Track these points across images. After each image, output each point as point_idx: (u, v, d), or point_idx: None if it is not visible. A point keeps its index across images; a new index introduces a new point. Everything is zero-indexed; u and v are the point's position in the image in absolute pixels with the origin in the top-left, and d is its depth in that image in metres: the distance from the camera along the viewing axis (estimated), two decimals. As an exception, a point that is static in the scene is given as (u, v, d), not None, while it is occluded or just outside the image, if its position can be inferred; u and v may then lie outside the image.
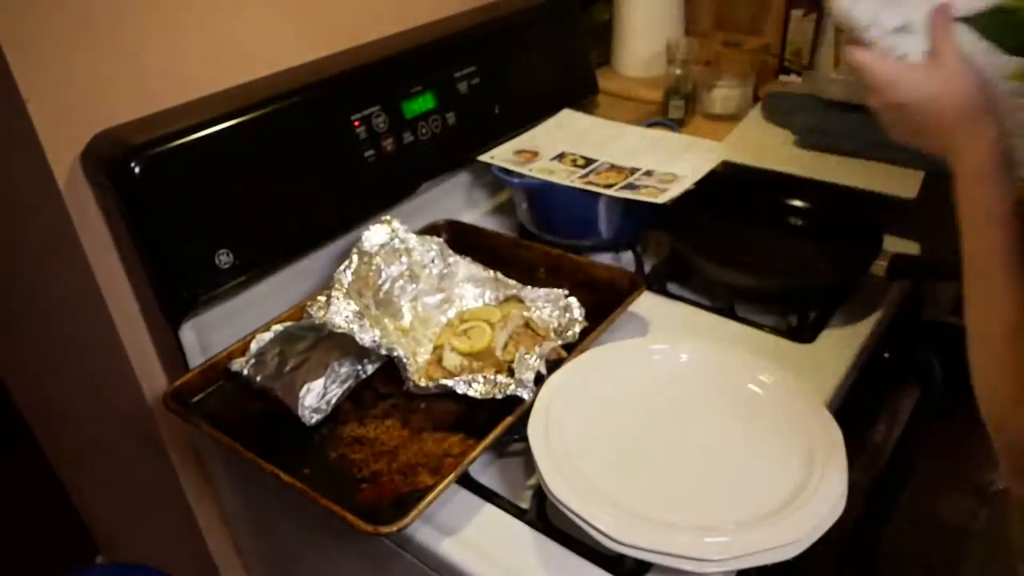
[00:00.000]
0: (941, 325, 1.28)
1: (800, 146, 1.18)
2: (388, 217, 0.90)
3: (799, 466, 0.64)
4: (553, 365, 0.75)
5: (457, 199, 1.13)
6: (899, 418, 1.21)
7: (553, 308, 0.83)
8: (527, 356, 0.74)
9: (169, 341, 0.82)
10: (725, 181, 1.06)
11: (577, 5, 1.27)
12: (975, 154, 0.56)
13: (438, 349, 0.81)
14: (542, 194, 1.01)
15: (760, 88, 1.36)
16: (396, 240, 0.89)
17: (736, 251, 0.97)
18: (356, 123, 0.90)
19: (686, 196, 0.95)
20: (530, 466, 0.69)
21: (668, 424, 0.70)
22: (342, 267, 0.84)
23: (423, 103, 0.98)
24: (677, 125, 1.21)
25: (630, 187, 0.96)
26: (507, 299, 0.88)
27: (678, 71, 1.31)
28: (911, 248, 1.01)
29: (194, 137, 0.75)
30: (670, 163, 1.02)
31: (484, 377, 0.74)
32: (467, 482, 0.71)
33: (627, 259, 1.03)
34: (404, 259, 0.89)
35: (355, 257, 0.85)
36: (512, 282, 0.88)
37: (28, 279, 0.92)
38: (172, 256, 0.76)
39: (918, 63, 0.60)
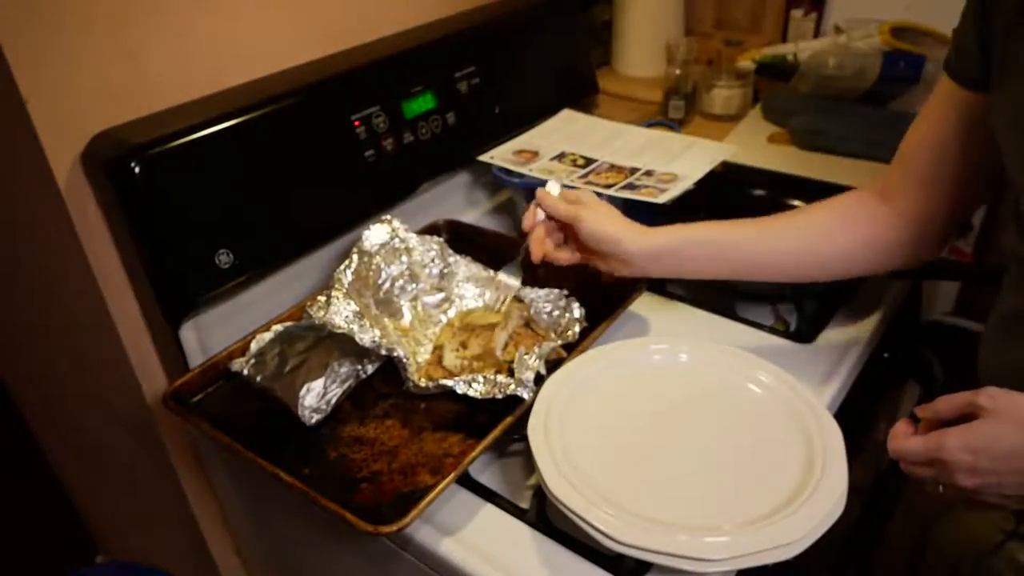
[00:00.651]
0: (941, 325, 1.28)
1: (800, 146, 1.18)
2: (388, 217, 0.90)
3: (799, 466, 0.64)
4: (553, 365, 0.75)
5: (457, 199, 1.13)
6: (899, 418, 1.21)
7: (553, 308, 0.83)
8: (527, 356, 0.74)
9: (169, 341, 0.82)
10: (725, 181, 1.06)
11: (577, 5, 1.27)
12: None
13: (438, 349, 0.81)
14: (542, 194, 1.01)
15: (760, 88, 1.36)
16: (396, 240, 0.89)
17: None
18: (356, 123, 0.90)
19: (686, 196, 0.95)
20: (530, 466, 0.69)
21: (668, 424, 0.70)
22: (342, 267, 0.84)
23: (423, 103, 0.98)
24: (677, 125, 1.21)
25: (630, 187, 0.96)
26: (507, 299, 0.88)
27: (678, 71, 1.31)
28: (911, 248, 1.01)
29: (194, 137, 0.75)
30: (670, 163, 1.02)
31: (484, 377, 0.73)
32: (467, 482, 0.71)
33: (627, 259, 1.03)
34: (404, 259, 0.89)
35: (355, 257, 0.85)
36: (513, 282, 0.88)
37: (28, 279, 0.92)
38: (172, 256, 0.76)
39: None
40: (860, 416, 0.96)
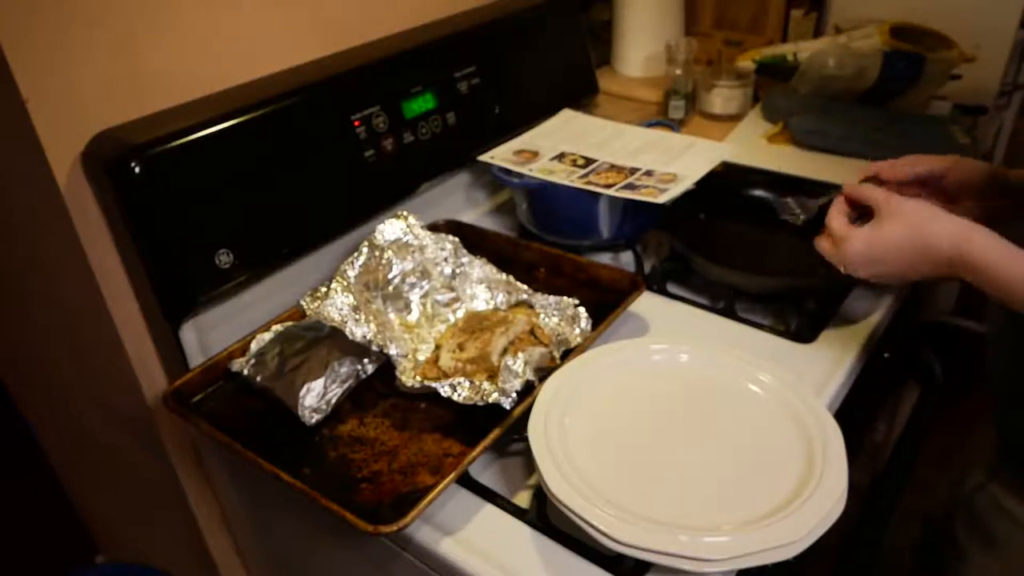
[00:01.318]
0: (941, 325, 1.28)
1: (800, 146, 1.18)
2: (404, 212, 0.90)
3: (799, 466, 0.64)
4: (546, 373, 0.75)
5: (457, 199, 1.13)
6: (899, 418, 1.21)
7: (560, 317, 0.83)
8: (512, 363, 0.72)
9: (169, 341, 0.82)
10: (725, 181, 1.06)
11: (577, 5, 1.27)
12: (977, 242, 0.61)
13: (437, 349, 0.81)
14: (542, 194, 1.01)
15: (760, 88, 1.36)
16: (410, 236, 0.89)
17: (736, 251, 0.97)
18: (356, 123, 0.90)
19: (686, 196, 0.95)
20: (530, 466, 0.69)
21: (668, 424, 0.70)
22: (349, 260, 0.83)
23: (423, 103, 0.98)
24: (677, 125, 1.21)
25: (630, 187, 0.96)
26: (518, 303, 0.87)
27: (678, 71, 1.31)
28: (911, 248, 1.01)
29: (194, 137, 0.75)
30: (670, 163, 1.02)
31: (471, 382, 0.73)
32: (467, 482, 0.71)
33: (627, 259, 1.03)
34: (416, 255, 0.89)
35: (365, 250, 0.85)
36: (524, 287, 0.88)
37: (28, 279, 0.92)
38: (172, 256, 0.76)
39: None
40: (860, 416, 0.96)
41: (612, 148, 1.08)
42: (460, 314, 0.88)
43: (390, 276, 0.87)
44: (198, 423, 0.74)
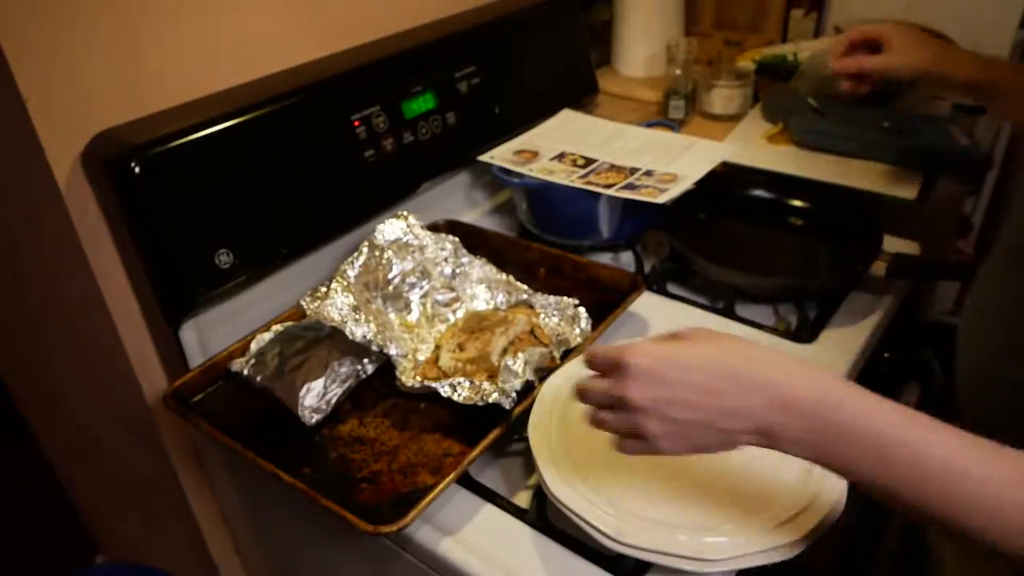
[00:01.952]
0: (941, 325, 1.28)
1: (800, 146, 1.18)
2: (404, 212, 0.90)
3: (799, 466, 0.64)
4: (546, 373, 0.75)
5: (457, 199, 1.13)
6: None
7: (560, 317, 0.83)
8: (512, 363, 0.72)
9: (169, 341, 0.82)
10: (725, 181, 1.06)
11: (577, 5, 1.27)
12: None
13: (437, 349, 0.81)
14: (542, 194, 1.01)
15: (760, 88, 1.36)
16: (410, 236, 0.89)
17: (736, 251, 0.97)
18: (356, 123, 0.90)
19: (686, 196, 0.95)
20: (530, 466, 0.69)
21: (668, 424, 0.70)
22: (349, 260, 0.83)
23: (423, 103, 0.98)
24: (677, 125, 1.21)
25: (630, 187, 0.96)
26: (518, 303, 0.87)
27: (678, 71, 1.31)
28: (911, 248, 1.01)
29: (194, 137, 0.75)
30: (670, 163, 1.02)
31: (471, 382, 0.72)
32: (467, 482, 0.71)
33: (627, 259, 1.03)
34: (416, 255, 0.89)
35: (365, 250, 0.85)
36: (524, 287, 0.88)
37: (28, 279, 0.92)
38: (172, 256, 0.76)
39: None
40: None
41: (612, 148, 1.08)
42: (460, 314, 0.88)
43: (390, 276, 0.87)
44: (198, 423, 0.74)
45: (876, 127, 1.15)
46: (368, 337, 0.73)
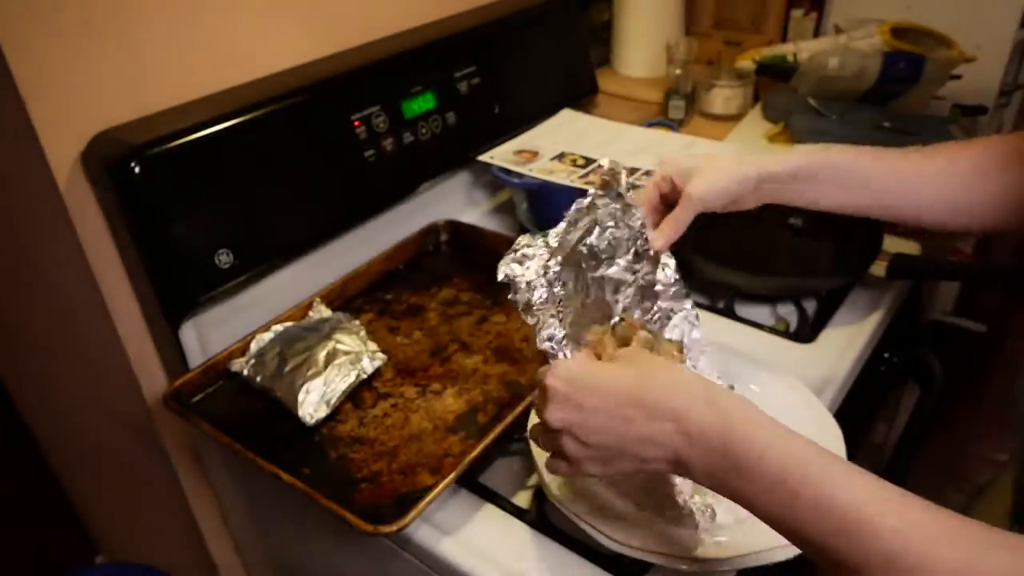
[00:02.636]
0: (941, 325, 1.28)
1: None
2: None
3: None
4: None
5: (457, 199, 1.13)
6: (899, 418, 1.21)
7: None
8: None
9: (169, 341, 0.82)
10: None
11: (577, 5, 1.27)
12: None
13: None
14: (542, 194, 1.01)
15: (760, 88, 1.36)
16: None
17: (736, 251, 0.97)
18: (356, 123, 0.90)
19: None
20: (530, 466, 0.69)
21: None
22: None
23: (423, 103, 0.98)
24: (677, 125, 1.21)
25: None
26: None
27: (678, 71, 1.31)
28: (911, 248, 1.01)
29: (194, 137, 0.75)
30: (670, 163, 1.02)
31: None
32: (467, 482, 0.71)
33: (627, 259, 1.03)
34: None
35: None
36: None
37: (28, 279, 0.92)
38: (172, 256, 0.76)
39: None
40: (860, 416, 0.96)
41: (612, 148, 1.08)
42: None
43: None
44: (198, 423, 0.74)
45: (876, 127, 1.15)
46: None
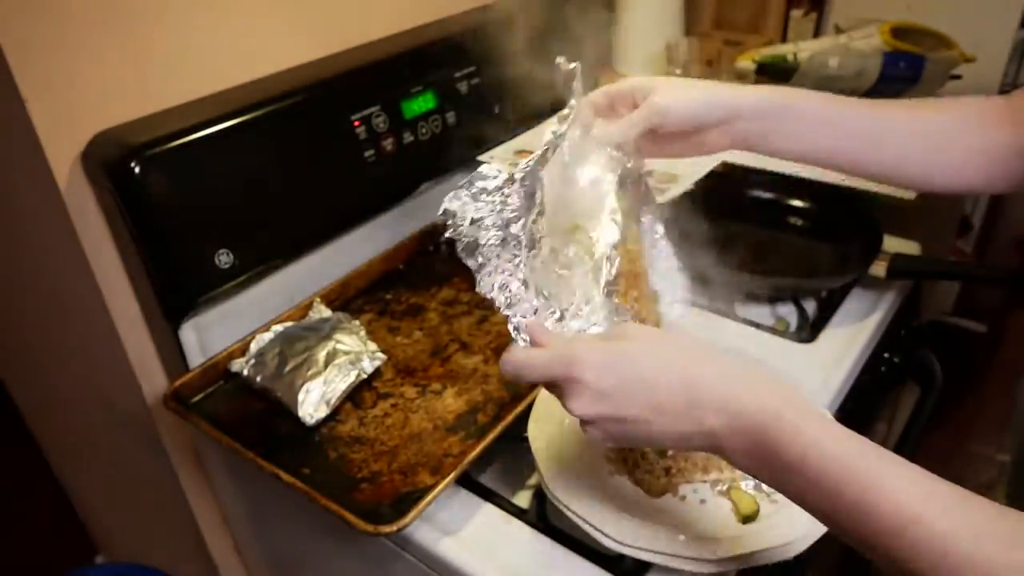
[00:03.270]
0: (941, 325, 1.28)
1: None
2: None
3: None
4: None
5: (457, 199, 1.13)
6: (899, 418, 1.21)
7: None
8: None
9: (169, 341, 0.82)
10: (725, 181, 1.06)
11: (576, 5, 1.27)
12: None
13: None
14: (542, 194, 1.01)
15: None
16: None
17: (736, 251, 0.97)
18: (356, 123, 0.90)
19: (686, 196, 0.95)
20: (530, 466, 0.69)
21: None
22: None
23: (423, 103, 0.98)
24: (677, 125, 1.20)
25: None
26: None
27: (678, 71, 1.31)
28: (911, 248, 1.01)
29: (194, 137, 0.75)
30: (670, 163, 1.02)
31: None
32: (467, 482, 0.71)
33: (627, 259, 1.03)
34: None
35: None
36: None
37: (28, 279, 0.92)
38: (172, 256, 0.76)
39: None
40: (860, 416, 0.96)
41: (612, 148, 1.08)
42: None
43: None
44: (198, 423, 0.74)
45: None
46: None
